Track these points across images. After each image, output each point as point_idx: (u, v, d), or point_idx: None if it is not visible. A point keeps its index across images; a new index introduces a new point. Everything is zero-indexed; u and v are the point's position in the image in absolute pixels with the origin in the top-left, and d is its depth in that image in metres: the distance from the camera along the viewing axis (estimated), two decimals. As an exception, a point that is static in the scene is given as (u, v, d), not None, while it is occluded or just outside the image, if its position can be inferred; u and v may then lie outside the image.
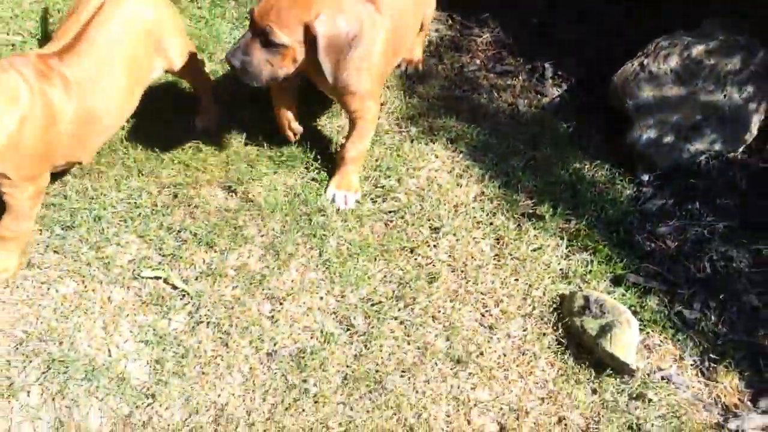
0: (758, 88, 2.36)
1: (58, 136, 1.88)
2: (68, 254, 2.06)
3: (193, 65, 2.26)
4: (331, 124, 2.51)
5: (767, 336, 2.05)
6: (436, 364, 1.95)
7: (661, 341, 2.06)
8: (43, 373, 1.84)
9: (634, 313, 2.06)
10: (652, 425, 1.88)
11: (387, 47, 2.10)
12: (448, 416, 1.87)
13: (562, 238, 2.25)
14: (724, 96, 2.37)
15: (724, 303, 2.11)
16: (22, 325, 1.93)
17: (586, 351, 1.99)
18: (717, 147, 2.38)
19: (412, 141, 2.48)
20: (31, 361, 1.86)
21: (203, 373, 1.88)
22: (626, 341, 1.91)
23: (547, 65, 2.80)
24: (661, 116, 2.39)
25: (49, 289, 2.01)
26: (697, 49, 2.43)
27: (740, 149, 2.40)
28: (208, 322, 1.97)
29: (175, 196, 2.23)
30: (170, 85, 2.52)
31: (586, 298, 2.01)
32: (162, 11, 2.11)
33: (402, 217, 2.26)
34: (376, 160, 2.39)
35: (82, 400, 1.81)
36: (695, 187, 2.37)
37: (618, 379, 1.95)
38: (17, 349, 1.88)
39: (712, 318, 2.09)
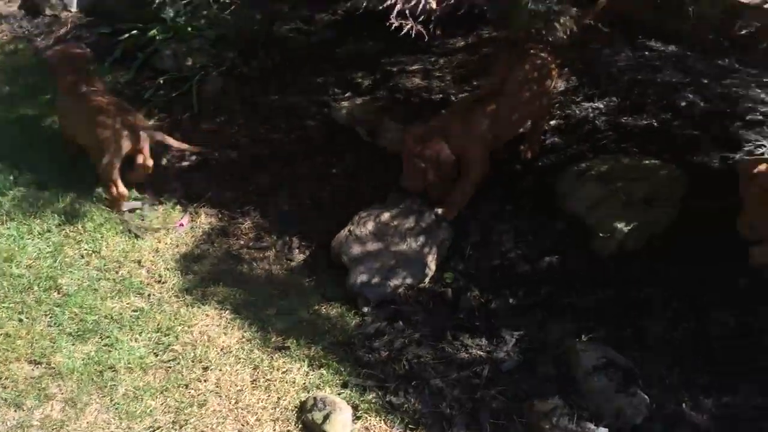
0: (428, 238, 3.41)
1: None
2: None
3: None
4: (114, 303, 3.20)
5: (447, 407, 2.88)
6: (204, 465, 2.57)
7: (376, 423, 2.82)
8: None
9: (356, 406, 2.84)
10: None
11: None
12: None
13: (304, 361, 3.03)
14: (407, 246, 3.40)
15: (417, 388, 2.95)
16: None
17: (318, 437, 2.71)
18: (408, 281, 3.34)
19: (187, 306, 3.23)
20: None
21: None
22: (341, 422, 2.67)
23: (294, 239, 3.73)
24: (368, 264, 3.35)
25: None
26: (385, 216, 3.48)
27: (426, 280, 3.39)
28: (15, 466, 2.48)
29: (-13, 374, 2.77)
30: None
31: (315, 398, 2.77)
32: None
33: (179, 363, 2.95)
34: (158, 324, 3.10)
35: None
36: (398, 311, 3.29)
37: (341, 453, 2.67)
38: None
39: (411, 400, 2.91)
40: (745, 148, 2.46)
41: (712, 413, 2.66)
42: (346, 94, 4.56)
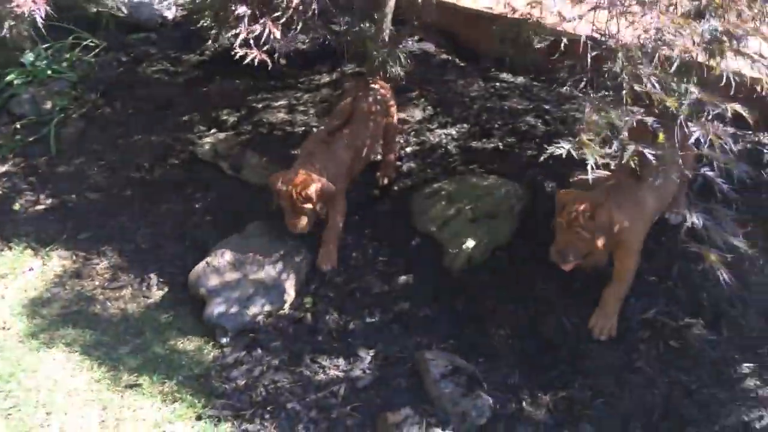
0: (286, 264, 3.44)
1: None
2: None
3: None
4: None
5: (303, 428, 2.88)
6: None
7: (229, 452, 2.78)
8: None
9: (210, 438, 2.80)
10: None
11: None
12: None
13: (156, 397, 2.96)
14: (265, 273, 3.41)
15: (273, 413, 2.94)
16: None
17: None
18: (267, 308, 3.34)
19: (32, 351, 3.09)
20: None
21: None
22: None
23: (153, 276, 3.66)
24: (226, 295, 3.33)
25: None
26: (244, 245, 3.49)
27: (285, 306, 3.40)
28: None
29: None
30: None
31: (163, 432, 2.70)
32: None
33: (20, 410, 2.81)
34: (-2, 371, 2.95)
35: None
36: (257, 339, 3.27)
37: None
38: None
39: (267, 425, 2.89)
40: (548, 151, 2.65)
41: (549, 408, 2.80)
42: (211, 131, 4.57)
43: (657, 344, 2.97)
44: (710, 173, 2.56)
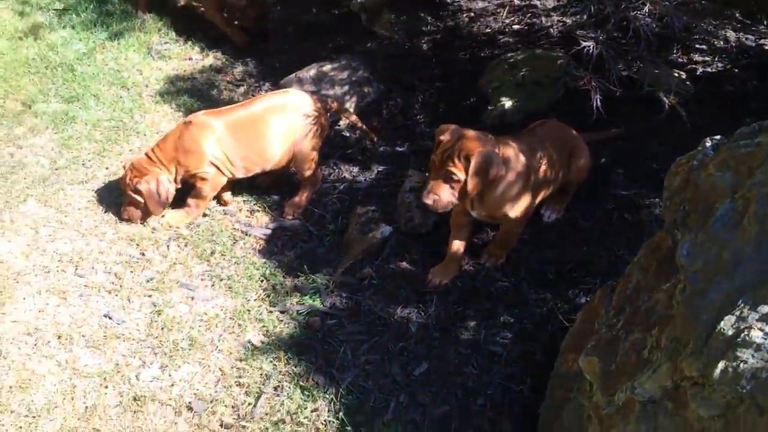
0: (351, 88, 3.98)
1: None
2: None
3: None
4: (102, 87, 4.17)
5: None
6: None
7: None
8: None
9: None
10: None
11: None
12: None
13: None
14: (334, 92, 3.99)
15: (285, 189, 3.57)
16: None
17: None
18: (325, 119, 3.94)
19: (154, 103, 4.12)
20: None
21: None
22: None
23: (267, 84, 4.47)
24: (298, 101, 4.00)
25: None
26: (327, 67, 4.10)
27: (340, 123, 3.96)
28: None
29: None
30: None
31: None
32: None
33: (119, 130, 3.84)
34: (123, 106, 4.02)
35: None
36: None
37: None
38: None
39: (272, 192, 3.54)
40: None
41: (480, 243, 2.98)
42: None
43: (612, 213, 2.92)
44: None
